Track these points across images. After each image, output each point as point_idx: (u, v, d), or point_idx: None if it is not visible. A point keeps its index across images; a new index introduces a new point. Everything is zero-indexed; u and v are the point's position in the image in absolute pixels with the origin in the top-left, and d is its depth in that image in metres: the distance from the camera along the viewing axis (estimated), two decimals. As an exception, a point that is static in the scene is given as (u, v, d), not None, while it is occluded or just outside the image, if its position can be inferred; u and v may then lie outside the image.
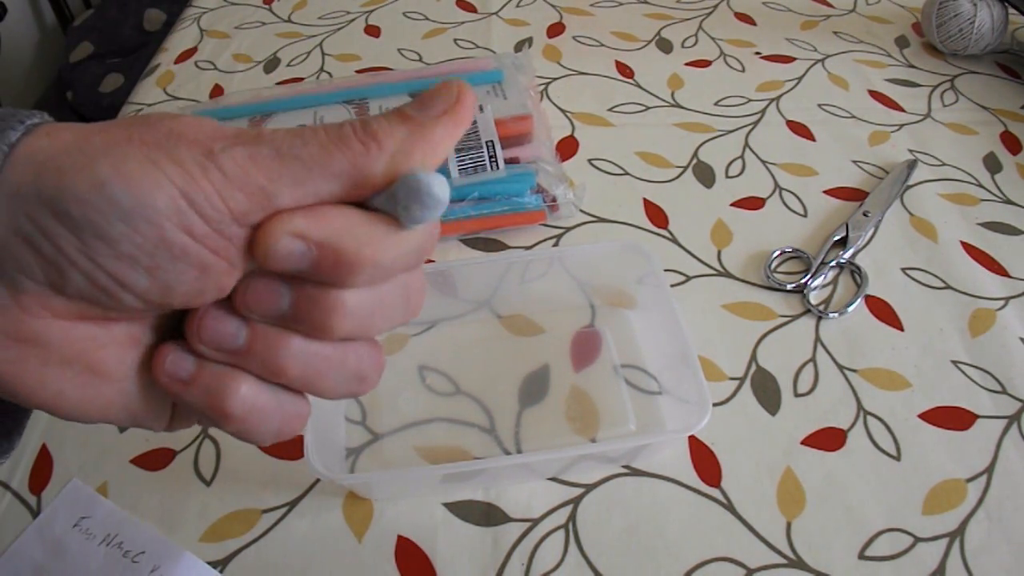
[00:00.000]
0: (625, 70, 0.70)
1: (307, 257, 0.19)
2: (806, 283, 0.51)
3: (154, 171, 0.18)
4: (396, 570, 0.39)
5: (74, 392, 0.21)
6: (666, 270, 0.53)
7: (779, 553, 0.39)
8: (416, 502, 0.42)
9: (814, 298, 0.51)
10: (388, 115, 0.20)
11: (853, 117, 0.65)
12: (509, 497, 0.42)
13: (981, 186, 0.59)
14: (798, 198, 0.58)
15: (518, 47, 0.73)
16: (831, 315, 0.50)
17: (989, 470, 0.42)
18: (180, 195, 0.18)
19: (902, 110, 0.66)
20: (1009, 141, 0.63)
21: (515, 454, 0.43)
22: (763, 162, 0.61)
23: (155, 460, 0.44)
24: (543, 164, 0.55)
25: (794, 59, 0.72)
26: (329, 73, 0.71)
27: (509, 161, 0.54)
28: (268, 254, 0.19)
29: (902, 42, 0.74)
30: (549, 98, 0.67)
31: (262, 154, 0.19)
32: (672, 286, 0.52)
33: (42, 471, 0.43)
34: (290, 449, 0.44)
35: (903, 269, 0.53)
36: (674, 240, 0.55)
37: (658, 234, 0.55)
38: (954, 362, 0.47)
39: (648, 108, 0.66)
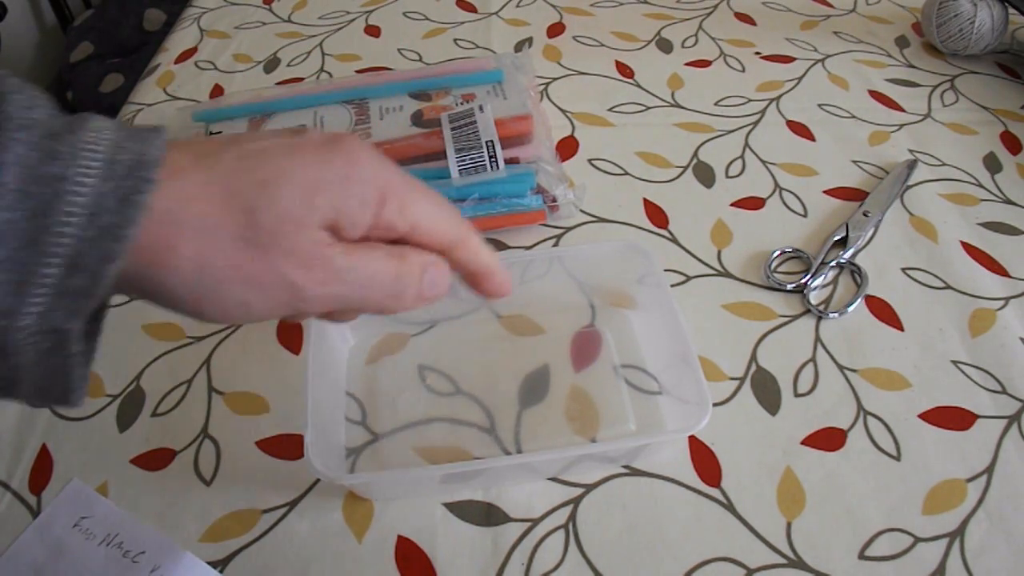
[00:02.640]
0: (625, 70, 0.70)
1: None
2: (806, 283, 0.51)
3: (269, 311, 0.26)
4: (396, 570, 0.39)
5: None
6: (666, 270, 0.53)
7: (779, 553, 0.39)
8: (416, 502, 0.42)
9: (814, 298, 0.51)
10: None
11: (853, 117, 0.65)
12: (509, 497, 0.42)
13: (981, 186, 0.59)
14: (798, 198, 0.58)
15: (518, 47, 0.73)
16: (831, 315, 0.50)
17: (989, 470, 0.42)
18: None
19: (902, 110, 0.66)
20: (1009, 141, 0.63)
21: (515, 454, 0.43)
22: (763, 162, 0.61)
23: (155, 460, 0.44)
24: (543, 164, 0.55)
25: (794, 59, 0.72)
26: (329, 73, 0.71)
27: (509, 161, 0.54)
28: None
29: (902, 42, 0.74)
30: (549, 98, 0.67)
31: (341, 296, 0.26)
32: (672, 286, 0.52)
33: (42, 471, 0.43)
34: (290, 449, 0.44)
35: (903, 269, 0.53)
36: (674, 240, 0.55)
37: (658, 234, 0.55)
38: (954, 362, 0.47)
39: (648, 108, 0.66)
